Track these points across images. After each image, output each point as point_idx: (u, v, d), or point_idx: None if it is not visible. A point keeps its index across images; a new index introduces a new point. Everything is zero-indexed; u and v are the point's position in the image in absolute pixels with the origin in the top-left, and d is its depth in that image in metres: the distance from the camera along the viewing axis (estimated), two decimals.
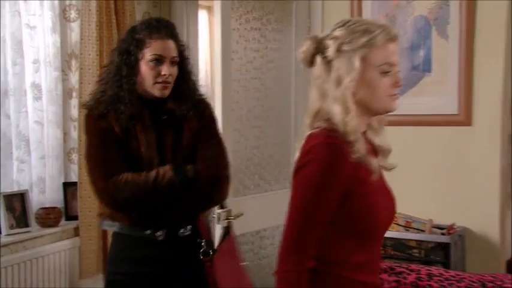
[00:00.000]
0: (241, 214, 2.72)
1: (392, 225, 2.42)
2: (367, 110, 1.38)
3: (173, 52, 1.81)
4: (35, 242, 2.61)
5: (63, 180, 2.81)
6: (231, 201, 2.66)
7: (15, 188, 2.64)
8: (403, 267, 1.95)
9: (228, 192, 1.90)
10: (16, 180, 2.66)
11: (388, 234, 2.51)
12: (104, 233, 2.72)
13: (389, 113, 1.42)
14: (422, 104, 2.90)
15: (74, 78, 2.83)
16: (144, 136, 1.80)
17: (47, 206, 2.72)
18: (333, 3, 3.17)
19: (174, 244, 1.83)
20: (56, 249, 2.66)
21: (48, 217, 2.68)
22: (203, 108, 1.90)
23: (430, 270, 1.92)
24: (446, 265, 2.62)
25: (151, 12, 3.13)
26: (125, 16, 2.83)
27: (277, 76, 3.12)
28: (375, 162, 1.37)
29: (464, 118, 2.84)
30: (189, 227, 1.86)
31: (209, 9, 4.27)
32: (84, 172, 2.33)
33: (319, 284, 1.35)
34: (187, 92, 1.88)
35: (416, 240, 2.72)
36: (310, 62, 1.40)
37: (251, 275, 3.03)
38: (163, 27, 1.81)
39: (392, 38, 1.36)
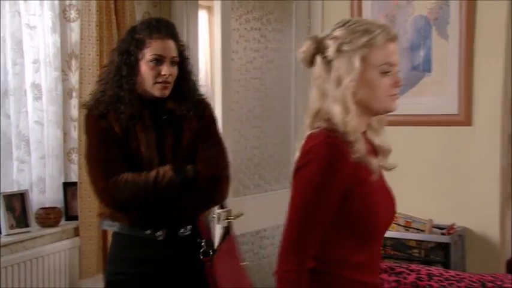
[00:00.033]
0: (241, 214, 2.72)
1: (392, 225, 2.42)
2: (367, 110, 1.38)
3: (173, 52, 1.81)
4: (35, 242, 2.61)
5: (63, 180, 2.81)
6: (231, 201, 2.66)
7: (15, 188, 2.64)
8: (403, 267, 1.95)
9: (228, 192, 1.90)
10: (16, 180, 2.66)
11: (388, 234, 2.51)
12: (104, 233, 2.72)
13: (389, 113, 1.42)
14: (422, 104, 2.90)
15: (74, 78, 2.84)
16: (144, 136, 1.80)
17: (47, 206, 2.72)
18: (333, 3, 3.17)
19: (174, 244, 1.83)
20: (56, 249, 2.66)
21: (48, 217, 2.68)
22: (203, 108, 1.90)
23: (430, 270, 1.92)
24: (446, 265, 2.62)
25: (152, 12, 3.13)
26: (124, 16, 2.83)
27: (277, 76, 3.12)
28: (375, 162, 1.37)
29: (464, 118, 2.84)
30: (189, 227, 1.86)
31: (209, 9, 4.27)
32: (84, 172, 2.33)
33: (319, 284, 1.35)
34: (187, 92, 1.87)
35: (416, 240, 2.72)
36: (310, 62, 1.40)
37: (251, 275, 3.03)
38: (163, 27, 1.81)
39: (393, 38, 1.36)
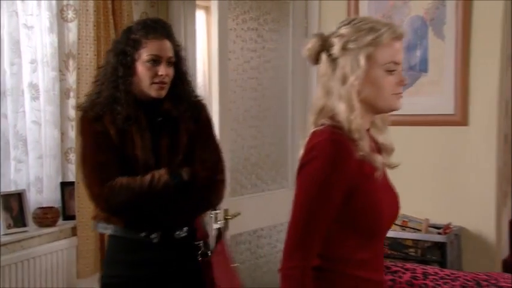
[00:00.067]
0: (239, 214, 2.73)
1: None
2: (372, 108, 1.39)
3: (169, 52, 1.81)
4: (32, 242, 2.62)
5: (60, 180, 2.82)
6: (228, 200, 2.67)
7: (12, 188, 2.65)
8: (398, 266, 1.96)
9: (224, 196, 1.90)
10: (14, 180, 2.67)
11: None
12: (102, 233, 2.73)
13: (393, 112, 1.42)
14: (419, 104, 2.91)
15: (71, 78, 2.84)
16: (140, 138, 1.79)
17: (44, 205, 2.73)
18: (330, 3, 3.17)
19: (169, 246, 1.82)
20: (54, 249, 2.67)
21: (46, 217, 2.69)
22: (199, 110, 1.90)
23: (425, 269, 1.93)
24: (442, 264, 2.63)
25: (149, 13, 3.14)
26: (122, 16, 2.84)
27: (274, 76, 3.13)
28: (379, 158, 1.37)
29: (460, 118, 2.85)
30: (185, 229, 1.85)
31: (207, 9, 4.28)
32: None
33: (324, 281, 1.36)
34: (184, 93, 1.87)
35: (412, 240, 2.73)
36: (316, 60, 1.40)
37: (248, 274, 3.05)
38: (159, 27, 1.81)
39: (398, 37, 1.36)
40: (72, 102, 2.83)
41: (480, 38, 2.81)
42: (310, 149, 1.33)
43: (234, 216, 2.71)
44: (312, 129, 1.38)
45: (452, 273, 1.86)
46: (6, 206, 2.57)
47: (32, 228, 2.64)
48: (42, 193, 2.76)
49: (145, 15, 3.05)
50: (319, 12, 3.20)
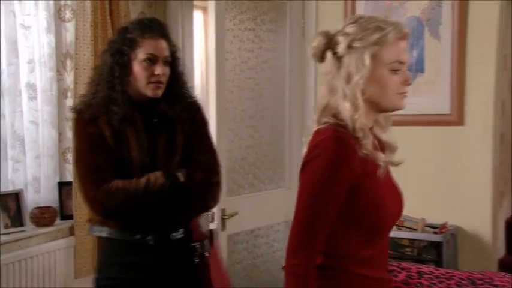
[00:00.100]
0: (236, 213, 2.74)
1: None
2: (376, 107, 1.39)
3: (166, 52, 1.79)
4: (29, 241, 2.62)
5: (58, 180, 2.82)
6: (225, 200, 2.68)
7: (10, 188, 2.65)
8: (393, 266, 1.97)
9: (219, 198, 1.89)
10: (11, 179, 2.67)
11: None
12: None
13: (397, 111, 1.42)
14: (415, 104, 2.90)
15: (68, 78, 2.85)
16: (135, 139, 1.77)
17: (41, 205, 2.73)
18: (327, 3, 3.19)
19: (165, 248, 1.80)
20: (51, 249, 2.67)
21: (43, 216, 2.69)
22: (195, 111, 1.88)
23: (420, 268, 1.94)
24: (438, 264, 2.64)
25: (147, 13, 3.14)
26: (119, 16, 2.84)
27: (272, 76, 3.14)
28: (382, 156, 1.37)
29: (456, 118, 2.87)
30: (180, 230, 1.83)
31: (204, 9, 4.28)
32: None
33: (327, 279, 1.36)
34: (179, 93, 1.86)
35: (409, 239, 2.74)
36: (321, 58, 1.40)
37: (245, 274, 3.06)
38: (155, 27, 1.79)
39: (404, 36, 1.36)
40: (69, 102, 2.83)
41: (476, 38, 2.82)
42: (313, 146, 1.33)
43: (231, 215, 2.72)
44: (315, 128, 1.38)
45: (448, 272, 1.87)
46: (3, 205, 2.57)
47: (29, 228, 2.65)
48: (39, 193, 2.76)
49: (143, 15, 3.06)
50: (316, 13, 3.21)
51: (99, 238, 1.84)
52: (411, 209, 2.80)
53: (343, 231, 1.36)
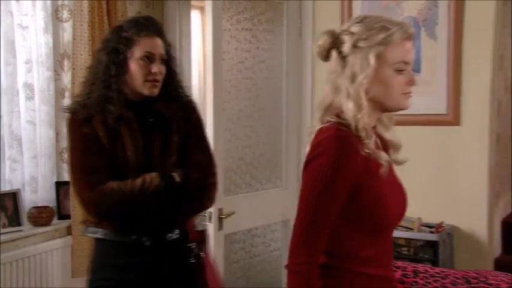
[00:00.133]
0: (233, 213, 2.75)
1: None
2: (380, 106, 1.39)
3: (162, 50, 1.79)
4: (27, 241, 2.62)
5: (55, 180, 2.83)
6: (222, 200, 2.69)
7: (7, 187, 2.66)
8: None
9: (215, 198, 1.88)
10: (8, 179, 2.68)
11: None
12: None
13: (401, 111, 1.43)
14: (412, 104, 2.92)
15: (66, 78, 2.85)
16: (130, 139, 1.75)
17: (39, 205, 2.74)
18: (324, 3, 3.20)
19: (161, 249, 1.78)
20: (48, 248, 2.67)
21: (41, 216, 2.69)
22: (191, 111, 1.87)
23: (416, 267, 1.95)
24: (434, 263, 2.65)
25: (144, 12, 3.13)
26: (117, 16, 2.85)
27: (269, 76, 3.14)
28: (384, 155, 1.37)
29: (452, 118, 2.88)
30: (176, 231, 1.82)
31: (202, 9, 4.28)
32: None
33: (330, 279, 1.36)
34: (175, 92, 1.85)
35: (405, 239, 2.75)
36: (326, 56, 1.40)
37: (242, 273, 3.07)
38: (151, 25, 1.78)
39: (409, 36, 1.37)
40: (67, 102, 2.83)
41: (472, 38, 2.83)
42: (316, 145, 1.34)
43: (229, 215, 2.72)
44: (318, 126, 1.38)
45: (443, 271, 1.88)
46: (1, 205, 2.57)
47: (26, 228, 2.65)
48: (37, 192, 2.77)
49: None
50: (313, 13, 3.22)
51: (94, 239, 1.82)
52: (407, 208, 2.83)
53: (346, 231, 1.36)
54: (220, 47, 2.75)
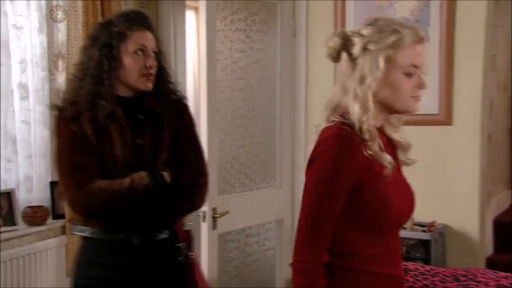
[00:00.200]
0: (227, 212, 2.76)
1: None
2: (388, 108, 1.39)
3: (153, 43, 1.77)
4: (21, 241, 2.63)
5: (50, 179, 2.83)
6: (216, 199, 2.71)
7: (2, 187, 2.66)
8: None
9: (206, 199, 1.86)
10: (3, 179, 2.68)
11: None
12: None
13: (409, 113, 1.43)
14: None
15: (60, 78, 2.85)
16: (119, 137, 1.71)
17: (33, 204, 2.74)
18: (317, 4, 3.22)
19: (150, 248, 1.76)
20: (43, 248, 2.68)
21: (35, 215, 2.70)
22: (182, 109, 1.85)
23: (406, 265, 1.97)
24: (426, 262, 2.68)
25: None
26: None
27: (262, 76, 3.16)
28: (388, 157, 1.37)
29: (444, 118, 2.90)
30: (165, 231, 1.79)
31: (197, 9, 4.27)
32: None
33: (334, 278, 1.37)
34: (164, 87, 1.82)
35: None
36: (336, 58, 1.40)
37: (237, 273, 3.08)
38: (142, 19, 1.77)
39: (420, 40, 1.36)
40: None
41: (464, 38, 2.86)
42: (318, 144, 1.35)
43: (223, 214, 2.74)
44: (323, 125, 1.39)
45: (432, 269, 1.90)
46: None
47: (21, 227, 2.65)
48: (31, 192, 2.77)
49: None
50: (306, 13, 3.24)
51: (81, 237, 1.80)
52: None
53: (349, 230, 1.36)
54: (214, 48, 2.77)
